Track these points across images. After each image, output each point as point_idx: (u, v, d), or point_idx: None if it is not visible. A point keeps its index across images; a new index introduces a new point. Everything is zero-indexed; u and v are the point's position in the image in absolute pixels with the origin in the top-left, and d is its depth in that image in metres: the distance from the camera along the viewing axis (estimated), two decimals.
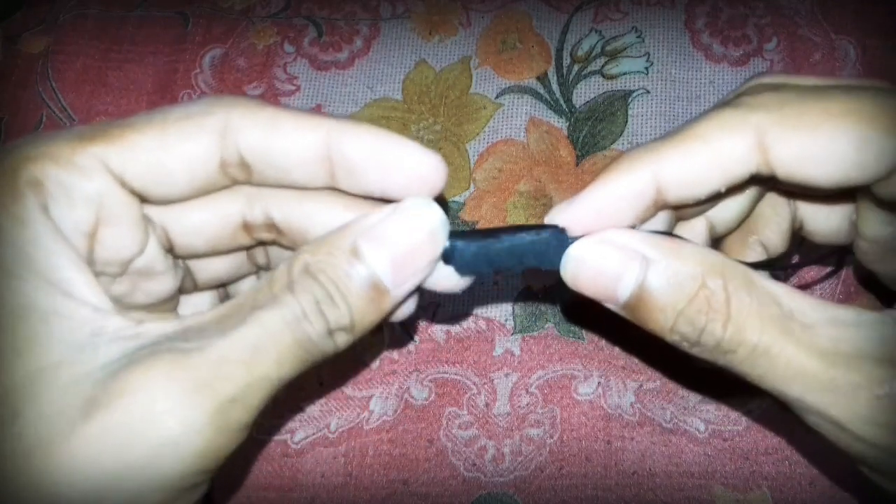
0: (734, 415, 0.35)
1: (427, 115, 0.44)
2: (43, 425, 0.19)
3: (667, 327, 0.23)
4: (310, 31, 0.47)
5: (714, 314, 0.22)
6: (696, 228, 0.27)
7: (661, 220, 0.26)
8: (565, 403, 0.36)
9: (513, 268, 0.25)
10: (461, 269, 0.25)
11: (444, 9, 0.47)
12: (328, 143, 0.23)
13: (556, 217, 0.25)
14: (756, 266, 0.24)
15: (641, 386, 0.36)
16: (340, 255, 0.22)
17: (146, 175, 0.22)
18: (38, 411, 0.19)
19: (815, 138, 0.22)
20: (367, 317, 0.22)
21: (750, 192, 0.27)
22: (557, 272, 0.25)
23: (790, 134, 0.22)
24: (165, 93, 0.46)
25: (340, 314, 0.22)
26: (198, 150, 0.22)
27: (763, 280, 0.23)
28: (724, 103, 0.24)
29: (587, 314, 0.37)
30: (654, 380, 0.36)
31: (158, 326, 0.21)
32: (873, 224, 0.26)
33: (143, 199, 0.23)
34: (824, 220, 0.28)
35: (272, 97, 0.45)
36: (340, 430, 0.37)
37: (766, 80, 0.25)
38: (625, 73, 0.44)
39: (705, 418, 0.35)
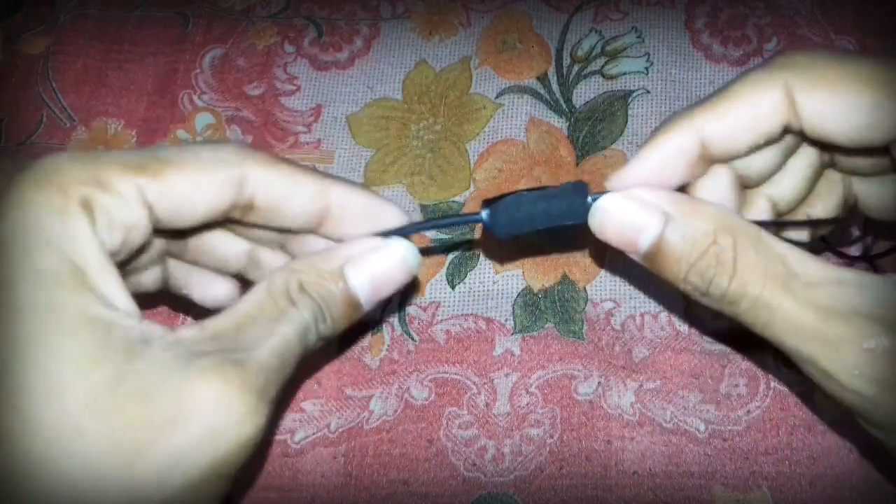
0: (734, 415, 0.35)
1: (427, 114, 0.44)
2: (135, 433, 0.21)
3: (680, 277, 0.26)
4: (310, 31, 0.47)
5: (721, 268, 0.24)
6: (759, 206, 0.30)
7: (725, 187, 0.28)
8: (565, 403, 0.36)
9: (545, 225, 0.28)
10: (501, 234, 0.28)
11: (444, 9, 0.47)
12: (329, 199, 0.27)
13: (614, 181, 0.27)
14: (768, 224, 0.27)
15: (641, 386, 0.36)
16: (330, 278, 0.26)
17: (172, 209, 0.25)
18: (126, 420, 0.21)
19: (835, 97, 0.24)
20: (342, 325, 0.27)
21: (807, 172, 0.29)
22: (582, 226, 0.27)
23: (814, 91, 0.24)
24: (165, 93, 0.46)
25: (327, 326, 0.26)
26: (220, 193, 0.25)
27: (774, 241, 0.25)
28: (758, 65, 0.26)
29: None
30: (654, 380, 0.36)
31: (187, 332, 0.23)
32: None
33: (157, 224, 0.25)
34: (877, 195, 0.30)
35: (272, 97, 0.45)
36: (340, 430, 0.37)
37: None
38: (625, 73, 0.44)
39: (705, 418, 0.35)
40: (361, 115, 0.44)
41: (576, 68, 0.44)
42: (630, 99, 0.43)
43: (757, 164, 0.28)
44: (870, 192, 0.30)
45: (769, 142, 0.27)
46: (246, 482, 0.36)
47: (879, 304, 0.23)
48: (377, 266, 0.27)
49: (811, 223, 0.31)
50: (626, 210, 0.26)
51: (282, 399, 0.37)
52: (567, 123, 0.43)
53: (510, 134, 0.43)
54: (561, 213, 0.27)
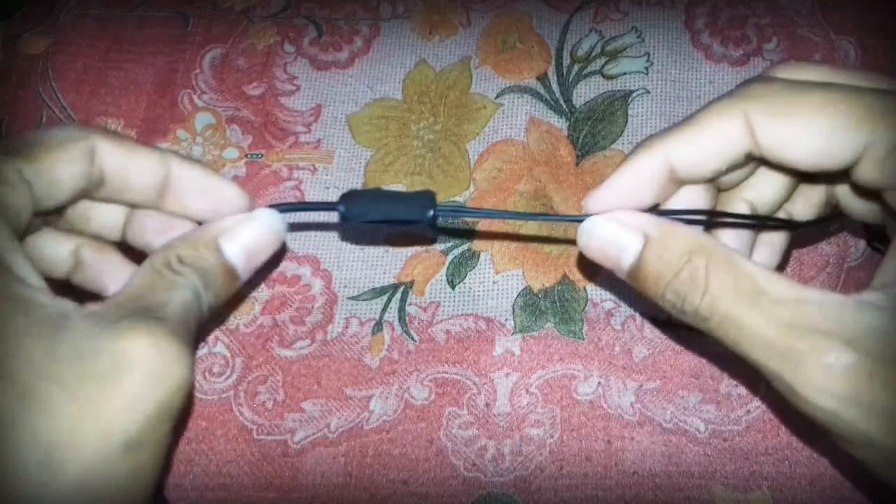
0: (734, 415, 0.35)
1: (427, 114, 0.44)
2: (90, 384, 0.23)
3: (658, 294, 0.27)
4: (310, 30, 0.47)
5: (694, 286, 0.26)
6: (736, 209, 0.31)
7: (703, 194, 0.30)
8: (565, 403, 0.36)
9: (393, 217, 0.30)
10: (353, 222, 0.31)
11: (444, 9, 0.47)
12: (168, 170, 0.29)
13: (588, 201, 0.30)
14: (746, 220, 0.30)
15: (641, 386, 0.36)
16: (206, 249, 0.28)
17: (44, 188, 0.26)
18: (78, 377, 0.23)
19: (791, 126, 0.26)
20: (224, 294, 0.29)
21: (785, 180, 0.31)
22: (422, 224, 0.31)
23: (771, 120, 0.26)
24: (165, 93, 0.46)
25: (213, 293, 0.28)
26: (81, 169, 0.27)
27: (744, 262, 0.26)
28: (724, 94, 0.28)
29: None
30: (654, 380, 0.36)
31: (95, 306, 0.25)
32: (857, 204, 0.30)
33: (36, 205, 0.27)
34: (854, 200, 0.31)
35: (272, 97, 0.45)
36: (340, 430, 0.37)
37: (771, 72, 0.29)
38: (625, 73, 0.44)
39: (705, 418, 0.35)
40: (361, 114, 0.44)
41: (576, 68, 0.44)
42: (630, 99, 0.43)
43: (729, 175, 0.30)
44: (850, 197, 0.31)
45: (733, 167, 0.28)
46: (235, 482, 0.36)
47: (838, 322, 0.24)
48: (248, 235, 0.29)
49: (789, 225, 0.32)
50: (609, 231, 0.28)
51: (280, 399, 0.37)
52: (567, 123, 0.43)
53: (510, 134, 0.43)
54: (406, 212, 0.30)
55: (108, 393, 0.23)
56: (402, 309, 0.39)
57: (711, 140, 0.28)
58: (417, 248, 0.40)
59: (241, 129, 0.44)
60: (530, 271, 0.39)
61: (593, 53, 0.45)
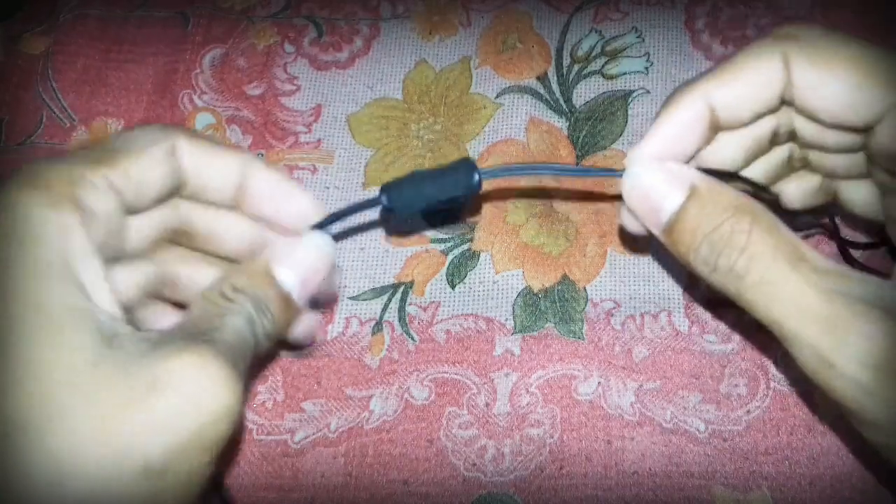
0: (734, 415, 0.35)
1: (427, 114, 0.44)
2: (118, 400, 0.22)
3: (692, 248, 0.26)
4: (310, 30, 0.47)
5: (733, 242, 0.25)
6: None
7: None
8: (565, 403, 0.36)
9: (438, 198, 0.30)
10: (401, 212, 0.30)
11: (444, 9, 0.47)
12: (246, 173, 0.29)
13: (633, 156, 0.29)
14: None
15: (641, 386, 0.36)
16: (259, 277, 0.28)
17: (133, 193, 0.27)
18: (108, 392, 0.22)
19: (823, 72, 0.26)
20: (283, 322, 0.28)
21: (775, 163, 0.31)
22: (472, 196, 0.30)
23: (808, 65, 0.26)
24: (165, 93, 0.46)
25: (269, 321, 0.27)
26: (165, 170, 0.27)
27: (789, 231, 0.25)
28: (762, 36, 0.28)
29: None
30: (654, 380, 0.36)
31: (153, 332, 0.24)
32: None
33: (127, 208, 0.27)
34: (856, 194, 0.31)
35: (272, 97, 0.45)
36: (340, 430, 0.37)
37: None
38: (625, 73, 0.44)
39: (705, 418, 0.35)
40: (361, 114, 0.44)
41: (576, 68, 0.44)
42: (630, 99, 0.43)
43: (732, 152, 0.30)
44: (850, 191, 0.31)
45: (769, 111, 0.28)
46: (236, 482, 0.36)
47: (880, 296, 0.23)
48: (299, 260, 0.29)
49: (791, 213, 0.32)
50: (655, 180, 0.27)
51: (280, 399, 0.37)
52: (567, 123, 0.43)
53: (510, 134, 0.43)
54: (452, 187, 0.29)
55: (133, 413, 0.22)
56: (402, 309, 0.39)
57: (753, 80, 0.27)
58: (417, 248, 0.40)
59: (241, 129, 0.44)
60: (530, 271, 0.39)
61: (593, 53, 0.45)
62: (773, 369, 0.36)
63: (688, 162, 0.29)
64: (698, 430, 0.35)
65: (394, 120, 0.44)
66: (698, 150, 0.29)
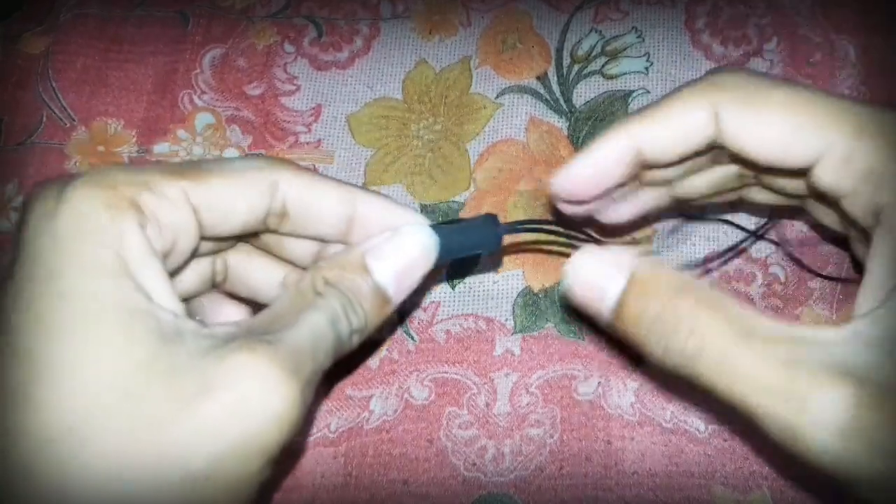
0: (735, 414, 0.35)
1: (427, 114, 0.44)
2: (165, 404, 0.21)
3: (641, 336, 0.26)
4: (310, 30, 0.47)
5: (680, 326, 0.25)
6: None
7: (657, 198, 0.31)
8: (565, 403, 0.36)
9: (460, 255, 0.30)
10: None
11: (444, 8, 0.47)
12: (354, 206, 0.29)
13: (556, 181, 0.29)
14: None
15: (641, 386, 0.36)
16: (353, 270, 0.27)
17: (215, 212, 0.26)
18: (155, 394, 0.22)
19: (755, 118, 0.26)
20: (375, 320, 0.27)
21: (717, 180, 0.31)
22: (491, 253, 0.30)
23: (737, 111, 0.26)
24: (165, 93, 0.46)
25: (359, 318, 0.26)
26: (257, 198, 0.27)
27: (732, 302, 0.25)
28: (690, 81, 0.29)
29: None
30: (654, 380, 0.36)
31: (220, 328, 0.24)
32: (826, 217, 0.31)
33: (203, 230, 0.26)
34: (818, 207, 0.31)
35: (272, 97, 0.45)
36: (340, 430, 0.37)
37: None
38: (625, 73, 0.44)
39: (705, 418, 0.35)
40: (361, 114, 0.44)
41: (576, 68, 0.44)
42: (630, 99, 0.43)
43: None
44: (812, 206, 0.31)
45: (697, 153, 0.29)
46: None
47: (834, 356, 0.23)
48: (397, 253, 0.28)
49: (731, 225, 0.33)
50: (593, 271, 0.27)
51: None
52: (567, 123, 0.43)
53: (510, 134, 0.43)
54: (473, 243, 0.30)
55: (180, 419, 0.21)
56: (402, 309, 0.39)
57: (679, 125, 0.28)
58: None
59: (241, 129, 0.44)
60: (530, 271, 0.39)
61: (593, 53, 0.45)
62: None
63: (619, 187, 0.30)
64: (698, 430, 0.35)
65: (394, 120, 0.44)
66: (625, 181, 0.30)
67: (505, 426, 0.36)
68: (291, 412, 0.23)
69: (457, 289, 0.39)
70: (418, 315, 0.39)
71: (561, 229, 0.33)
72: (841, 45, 0.43)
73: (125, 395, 0.21)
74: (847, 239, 0.31)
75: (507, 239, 0.32)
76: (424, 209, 0.41)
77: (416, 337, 0.38)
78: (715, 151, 0.30)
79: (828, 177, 0.26)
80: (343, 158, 0.43)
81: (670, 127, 0.28)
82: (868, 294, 0.24)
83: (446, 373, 0.37)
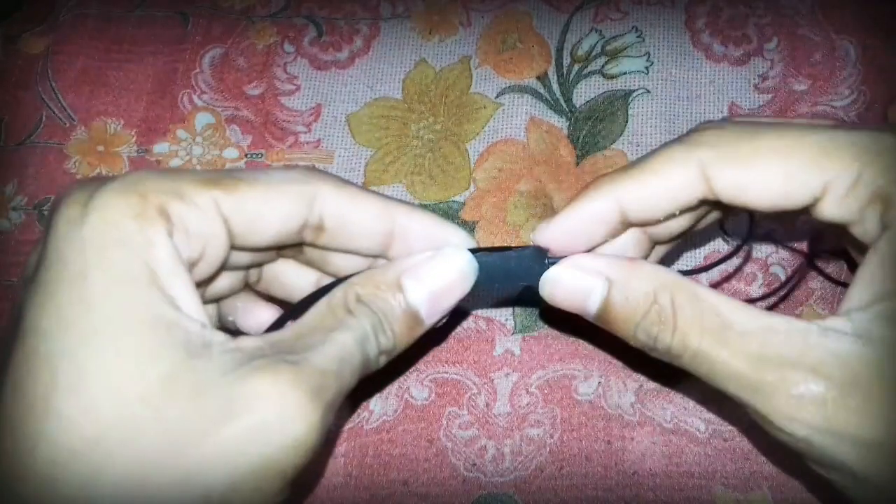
0: (735, 415, 0.35)
1: (427, 114, 0.44)
2: (187, 424, 0.21)
3: (629, 335, 0.27)
4: (310, 30, 0.47)
5: (663, 325, 0.26)
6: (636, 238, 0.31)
7: (632, 239, 0.30)
8: (565, 403, 0.36)
9: (504, 284, 0.29)
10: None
11: (444, 8, 0.47)
12: (394, 220, 0.28)
13: (538, 236, 0.29)
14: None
15: (641, 386, 0.36)
16: (387, 289, 0.26)
17: (246, 223, 0.26)
18: (179, 412, 0.21)
19: (748, 172, 0.26)
20: (404, 341, 0.27)
21: (692, 219, 0.31)
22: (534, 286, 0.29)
23: (727, 167, 0.26)
24: (165, 93, 0.46)
25: (388, 339, 0.26)
26: (291, 210, 0.26)
27: (708, 294, 0.26)
28: (675, 140, 0.28)
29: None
30: (654, 380, 0.36)
31: (249, 341, 0.24)
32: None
33: (234, 240, 0.26)
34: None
35: (272, 97, 0.45)
36: (340, 430, 0.36)
37: (715, 122, 0.29)
38: (625, 73, 0.44)
39: (705, 418, 0.35)
40: (361, 114, 0.44)
41: (576, 68, 0.44)
42: (630, 98, 0.43)
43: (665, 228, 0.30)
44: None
45: (685, 211, 0.28)
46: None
47: (804, 351, 0.24)
48: (435, 276, 0.27)
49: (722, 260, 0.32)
50: (572, 279, 0.28)
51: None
52: (567, 123, 0.43)
53: (510, 133, 0.43)
54: (518, 276, 0.29)
55: (201, 439, 0.21)
56: None
57: (664, 186, 0.27)
58: None
59: (240, 128, 0.44)
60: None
61: (593, 53, 0.44)
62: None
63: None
64: (698, 430, 0.35)
65: (394, 120, 0.44)
66: (609, 240, 0.30)
67: (505, 426, 0.36)
68: (311, 436, 0.22)
69: None
70: None
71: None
72: (841, 45, 0.43)
73: (150, 410, 0.21)
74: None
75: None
76: (424, 209, 0.41)
77: None
78: (703, 208, 0.30)
79: (833, 210, 0.26)
80: (343, 158, 0.43)
81: (656, 187, 0.27)
82: (853, 296, 0.25)
83: (446, 373, 0.37)
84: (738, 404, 0.25)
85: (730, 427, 0.35)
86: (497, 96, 0.44)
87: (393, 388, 0.37)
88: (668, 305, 0.26)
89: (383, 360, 0.26)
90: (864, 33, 0.44)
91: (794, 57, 0.43)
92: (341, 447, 0.36)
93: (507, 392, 0.37)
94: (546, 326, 0.38)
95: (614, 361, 0.37)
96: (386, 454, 0.36)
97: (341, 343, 0.24)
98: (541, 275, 0.29)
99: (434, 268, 0.27)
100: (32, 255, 0.24)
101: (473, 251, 0.29)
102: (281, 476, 0.22)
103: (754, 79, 0.43)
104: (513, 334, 0.38)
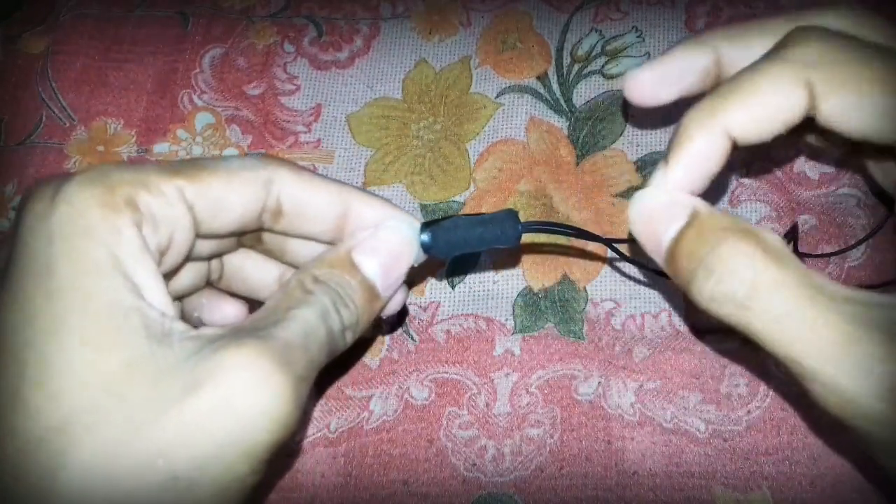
0: (734, 415, 0.35)
1: (427, 114, 0.44)
2: (149, 406, 0.21)
3: (689, 274, 0.25)
4: (310, 30, 0.47)
5: (734, 268, 0.24)
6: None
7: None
8: (565, 403, 0.36)
9: (479, 248, 0.30)
10: (439, 254, 0.30)
11: (444, 8, 0.47)
12: (348, 205, 0.29)
13: (657, 179, 0.28)
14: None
15: (641, 386, 0.36)
16: (341, 266, 0.27)
17: (210, 209, 0.26)
18: (141, 396, 0.21)
19: (852, 98, 0.25)
20: (367, 315, 0.27)
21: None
22: (512, 249, 0.30)
23: (834, 91, 0.26)
24: (165, 92, 0.46)
25: (350, 313, 0.26)
26: (251, 194, 0.27)
27: (791, 256, 0.24)
28: (776, 54, 0.27)
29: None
30: (654, 380, 0.36)
31: (210, 330, 0.24)
32: None
33: (198, 227, 0.26)
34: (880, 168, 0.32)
35: (272, 97, 0.45)
36: (340, 430, 0.36)
37: (822, 17, 0.29)
38: (625, 73, 0.44)
39: (705, 418, 0.35)
40: (361, 114, 0.44)
41: (576, 68, 0.44)
42: None
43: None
44: (874, 166, 0.31)
45: (791, 130, 0.27)
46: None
47: (893, 325, 0.22)
48: (381, 246, 0.28)
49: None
50: (664, 202, 0.27)
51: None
52: (567, 123, 0.43)
53: (510, 133, 0.43)
54: (494, 238, 0.30)
55: (164, 419, 0.21)
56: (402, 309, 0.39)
57: (774, 107, 0.27)
58: None
59: (240, 128, 0.44)
60: (530, 271, 0.39)
61: (593, 53, 0.44)
62: (773, 369, 0.36)
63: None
64: (698, 430, 0.35)
65: (394, 120, 0.44)
66: (717, 174, 0.28)
67: (505, 426, 0.36)
68: (284, 408, 0.22)
69: (457, 289, 0.39)
70: (418, 315, 0.39)
71: (579, 232, 0.32)
72: None
73: (112, 396, 0.21)
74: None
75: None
76: (424, 209, 0.41)
77: (416, 337, 0.38)
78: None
79: None
80: (343, 158, 0.43)
81: (766, 108, 0.27)
82: None
83: (446, 373, 0.37)
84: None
85: (730, 427, 0.35)
86: (497, 96, 0.44)
87: (393, 389, 0.37)
88: (749, 250, 0.24)
89: (349, 336, 0.27)
90: None
91: None
92: (341, 447, 0.36)
93: (507, 392, 0.37)
94: (546, 327, 0.38)
95: (614, 361, 0.37)
96: (386, 454, 0.36)
97: (303, 318, 0.24)
98: (514, 237, 0.29)
99: (379, 240, 0.28)
100: (2, 251, 0.24)
101: (447, 219, 0.30)
102: (253, 453, 0.22)
103: None
104: (513, 334, 0.38)
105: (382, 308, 0.29)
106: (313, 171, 0.29)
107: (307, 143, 0.44)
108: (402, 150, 0.43)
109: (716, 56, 0.29)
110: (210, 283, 0.31)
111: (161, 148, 0.44)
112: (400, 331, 0.38)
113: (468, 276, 0.39)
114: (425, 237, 0.29)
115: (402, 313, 0.38)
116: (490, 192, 0.41)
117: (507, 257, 0.40)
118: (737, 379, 0.36)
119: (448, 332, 0.38)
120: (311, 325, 0.25)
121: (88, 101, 0.46)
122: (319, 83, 0.45)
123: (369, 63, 0.46)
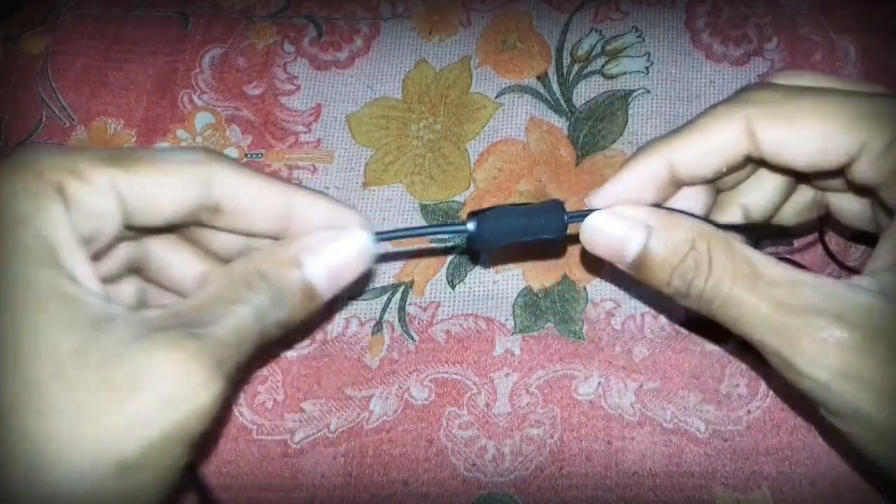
0: (734, 415, 0.35)
1: (427, 114, 0.44)
2: (98, 394, 0.22)
3: (664, 282, 0.29)
4: (310, 30, 0.47)
5: (698, 270, 0.28)
6: (731, 213, 0.33)
7: (702, 195, 0.31)
8: (565, 403, 0.36)
9: (525, 238, 0.30)
10: (484, 245, 0.30)
11: (444, 8, 0.47)
12: (292, 203, 0.29)
13: (591, 200, 0.31)
14: (735, 228, 0.32)
15: (641, 386, 0.36)
16: (286, 264, 0.27)
17: (142, 202, 0.26)
18: (89, 383, 0.22)
19: (789, 129, 0.28)
20: (300, 314, 0.28)
21: (779, 184, 0.32)
22: (558, 240, 0.30)
23: (771, 124, 0.28)
24: (165, 93, 0.46)
25: (286, 314, 0.27)
26: (187, 190, 0.27)
27: (742, 247, 0.28)
28: (725, 99, 0.30)
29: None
30: (654, 380, 0.36)
31: (150, 312, 0.25)
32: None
33: (128, 218, 0.27)
34: (847, 207, 0.33)
35: (272, 97, 0.45)
36: (340, 430, 0.36)
37: (769, 79, 0.31)
38: (625, 73, 0.44)
39: (705, 418, 0.35)
40: (361, 114, 0.44)
41: (576, 68, 0.44)
42: (630, 98, 0.43)
43: (727, 178, 0.31)
44: (841, 204, 0.33)
45: (732, 169, 0.30)
46: (235, 481, 0.36)
47: (830, 301, 0.25)
48: (334, 255, 0.28)
49: (779, 230, 0.34)
50: (613, 226, 0.29)
51: (280, 399, 0.37)
52: (567, 123, 0.43)
53: (510, 133, 0.43)
54: (539, 228, 0.30)
55: (114, 409, 0.22)
56: (402, 309, 0.39)
57: (713, 143, 0.29)
58: (417, 248, 0.40)
59: (240, 128, 0.44)
60: (530, 271, 0.39)
61: (593, 53, 0.44)
62: (773, 369, 0.36)
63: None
64: (698, 430, 0.35)
65: (394, 120, 0.44)
66: (660, 201, 0.31)
67: (505, 426, 0.36)
68: (214, 405, 0.24)
69: (457, 289, 0.39)
70: (418, 315, 0.39)
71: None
72: (841, 45, 0.43)
73: (61, 383, 0.22)
74: (870, 236, 0.32)
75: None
76: (424, 209, 0.41)
77: (416, 337, 0.38)
78: (749, 168, 0.31)
79: (866, 172, 0.27)
80: (343, 158, 0.43)
81: (705, 144, 0.29)
82: (879, 256, 0.27)
83: (446, 373, 0.37)
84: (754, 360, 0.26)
85: (730, 427, 0.35)
86: (497, 96, 0.44)
87: (393, 389, 0.37)
88: (705, 252, 0.27)
89: (279, 332, 0.27)
90: (864, 33, 0.44)
91: (794, 57, 0.43)
92: (341, 447, 0.36)
93: (507, 392, 0.37)
94: (546, 327, 0.38)
95: (614, 361, 0.37)
96: (386, 454, 0.36)
97: (241, 316, 0.25)
98: (560, 228, 0.30)
99: (334, 246, 0.28)
100: None
101: (492, 209, 0.30)
102: (187, 440, 0.24)
103: (754, 79, 0.43)
104: (513, 334, 0.38)
105: (319, 307, 0.29)
106: (255, 168, 0.29)
107: (307, 143, 0.44)
108: (402, 150, 0.43)
109: (668, 164, 0.30)
110: (134, 272, 0.31)
111: (161, 148, 0.44)
112: (400, 331, 0.38)
113: (468, 276, 0.39)
114: (471, 226, 0.29)
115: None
116: (490, 192, 0.41)
117: (508, 259, 0.40)
118: (737, 379, 0.36)
119: (448, 332, 0.38)
120: (247, 324, 0.26)
121: (88, 101, 0.46)
122: (319, 83, 0.45)
123: (369, 63, 0.46)
